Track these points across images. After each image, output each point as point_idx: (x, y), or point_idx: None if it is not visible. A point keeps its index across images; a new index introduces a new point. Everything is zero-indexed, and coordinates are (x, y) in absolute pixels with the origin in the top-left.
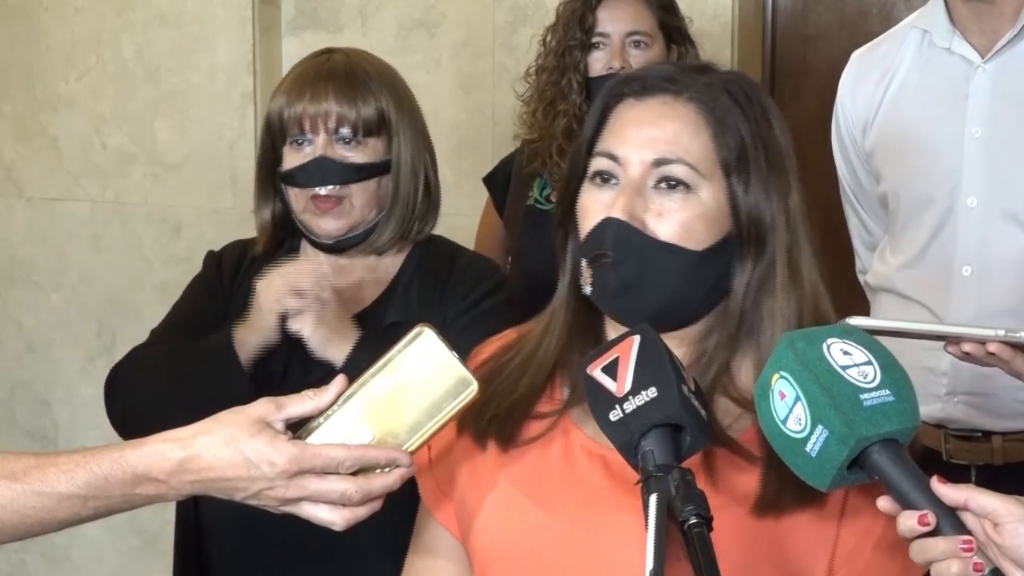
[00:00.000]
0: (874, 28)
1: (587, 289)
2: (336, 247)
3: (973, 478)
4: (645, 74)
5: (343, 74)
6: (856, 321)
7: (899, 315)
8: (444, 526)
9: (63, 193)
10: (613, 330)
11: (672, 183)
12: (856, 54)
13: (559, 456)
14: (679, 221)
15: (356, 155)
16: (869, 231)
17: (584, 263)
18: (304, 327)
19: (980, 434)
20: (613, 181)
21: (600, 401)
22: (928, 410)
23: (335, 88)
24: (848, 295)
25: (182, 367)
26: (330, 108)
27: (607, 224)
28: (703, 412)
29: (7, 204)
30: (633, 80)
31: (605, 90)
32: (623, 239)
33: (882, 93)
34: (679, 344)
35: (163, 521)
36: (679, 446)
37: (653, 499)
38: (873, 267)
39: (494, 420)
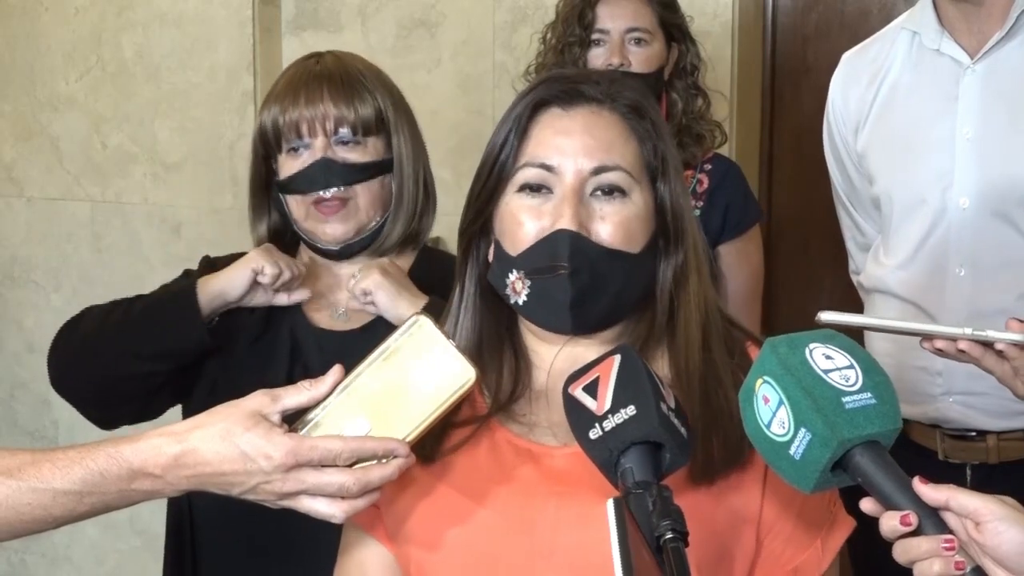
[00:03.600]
0: (874, 28)
1: (519, 300)
2: (344, 252)
3: (968, 477)
4: (570, 83)
5: (337, 75)
6: (827, 316)
7: (893, 316)
8: (375, 538)
9: (63, 193)
10: (534, 339)
11: (610, 190)
12: (846, 55)
13: (487, 455)
14: (620, 226)
15: (357, 156)
16: (862, 232)
17: (518, 275)
18: (371, 280)
19: (975, 433)
20: (546, 191)
21: (580, 420)
22: (923, 410)
23: (331, 89)
24: (847, 294)
25: (136, 305)
26: (327, 110)
27: (559, 236)
28: (683, 430)
29: (7, 204)
30: (557, 89)
31: (526, 100)
32: (578, 250)
33: (873, 94)
34: (605, 342)
35: (163, 521)
36: (659, 464)
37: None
38: (866, 268)
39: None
